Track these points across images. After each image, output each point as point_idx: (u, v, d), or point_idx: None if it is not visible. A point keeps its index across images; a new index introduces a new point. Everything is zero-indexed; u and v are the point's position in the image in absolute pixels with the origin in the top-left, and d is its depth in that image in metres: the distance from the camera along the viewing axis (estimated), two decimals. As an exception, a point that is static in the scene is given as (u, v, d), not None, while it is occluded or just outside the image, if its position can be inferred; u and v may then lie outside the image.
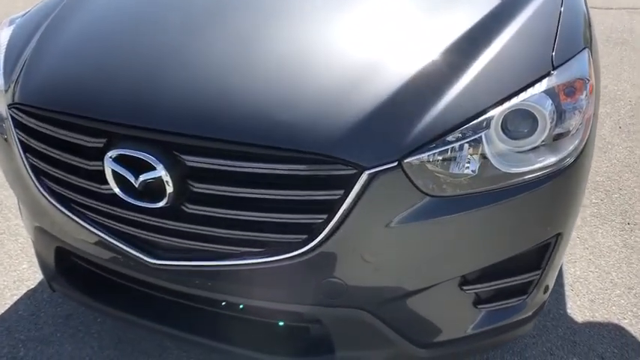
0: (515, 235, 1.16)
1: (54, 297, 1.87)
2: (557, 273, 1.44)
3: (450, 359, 1.35)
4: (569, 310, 1.87)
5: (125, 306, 1.40)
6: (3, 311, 1.84)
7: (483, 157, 1.09)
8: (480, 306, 1.26)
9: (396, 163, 1.02)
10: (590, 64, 1.25)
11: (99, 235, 1.23)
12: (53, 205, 1.27)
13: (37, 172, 1.28)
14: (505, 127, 1.11)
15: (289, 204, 1.05)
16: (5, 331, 1.75)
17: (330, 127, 1.01)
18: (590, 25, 1.45)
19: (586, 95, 1.18)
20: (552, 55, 1.19)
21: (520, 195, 1.12)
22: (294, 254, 1.08)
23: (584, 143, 1.19)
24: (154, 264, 1.19)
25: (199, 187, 1.08)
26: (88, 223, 1.24)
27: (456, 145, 1.07)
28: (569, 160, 1.16)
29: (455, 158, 1.07)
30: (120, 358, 1.64)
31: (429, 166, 1.06)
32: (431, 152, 1.05)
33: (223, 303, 1.26)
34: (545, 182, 1.13)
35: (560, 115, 1.14)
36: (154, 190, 1.09)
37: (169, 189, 1.07)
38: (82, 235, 1.27)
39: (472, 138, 1.08)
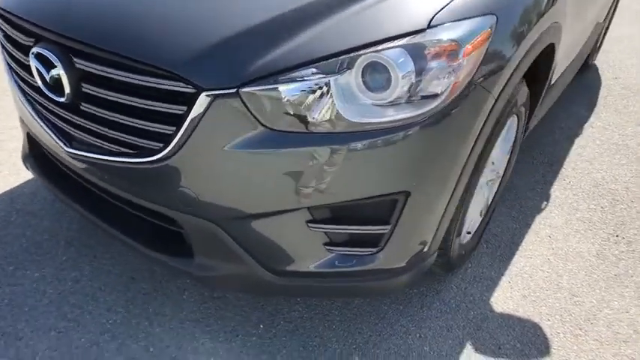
0: (355, 180, 1.21)
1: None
2: (438, 237, 1.44)
3: (300, 293, 1.44)
4: (493, 299, 1.83)
5: (67, 191, 1.67)
6: (15, 186, 2.25)
7: (328, 100, 1.15)
8: (329, 247, 1.33)
9: (234, 90, 1.13)
10: (490, 32, 1.23)
11: (38, 122, 1.50)
12: (17, 93, 1.57)
13: (8, 64, 1.58)
14: (361, 77, 1.15)
15: (148, 113, 1.22)
16: (9, 200, 2.16)
17: (179, 48, 1.15)
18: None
19: (456, 60, 1.17)
20: (435, 15, 1.19)
21: (363, 143, 1.17)
22: (154, 159, 1.24)
23: (444, 105, 1.19)
24: (68, 152, 1.43)
25: (88, 88, 1.28)
26: (34, 111, 1.51)
27: (301, 83, 1.14)
28: (424, 121, 1.17)
29: (298, 96, 1.15)
30: (80, 234, 1.95)
31: (268, 98, 1.14)
32: (271, 86, 1.13)
33: (120, 197, 1.47)
34: (392, 137, 1.17)
35: (420, 73, 1.15)
36: (59, 86, 1.31)
37: (67, 86, 1.29)
38: (33, 122, 1.55)
39: (317, 79, 1.14)
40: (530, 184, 2.43)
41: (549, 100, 2.35)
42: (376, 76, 1.15)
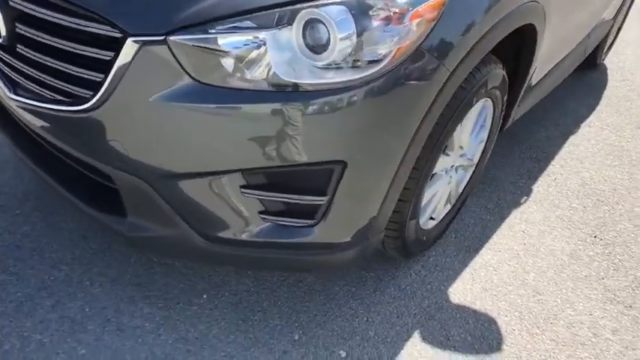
0: (289, 144, 1.14)
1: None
2: (385, 215, 1.37)
3: (235, 262, 1.38)
4: (451, 289, 1.75)
5: (18, 143, 1.63)
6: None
7: (264, 57, 1.08)
8: (264, 216, 1.27)
9: (162, 38, 1.07)
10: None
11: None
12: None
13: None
14: (302, 35, 1.08)
15: (79, 58, 1.16)
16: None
17: (107, -10, 1.09)
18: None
19: (402, 23, 1.09)
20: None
21: (297, 105, 1.09)
22: (84, 107, 1.19)
23: (386, 72, 1.11)
24: (12, 98, 1.38)
25: (21, 29, 1.23)
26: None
27: (235, 35, 1.07)
28: (363, 86, 1.10)
29: (231, 49, 1.08)
30: (39, 189, 1.92)
31: (198, 50, 1.07)
32: (202, 36, 1.06)
33: (61, 149, 1.42)
34: (327, 101, 1.09)
35: (361, 34, 1.07)
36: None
37: (2, 27, 1.24)
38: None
39: (254, 33, 1.07)
40: (512, 178, 2.33)
41: (538, 93, 2.24)
42: (316, 34, 1.08)
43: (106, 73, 1.12)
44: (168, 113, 1.12)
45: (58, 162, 1.50)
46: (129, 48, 1.08)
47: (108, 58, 1.11)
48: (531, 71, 1.85)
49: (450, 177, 1.74)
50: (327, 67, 1.09)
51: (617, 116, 2.94)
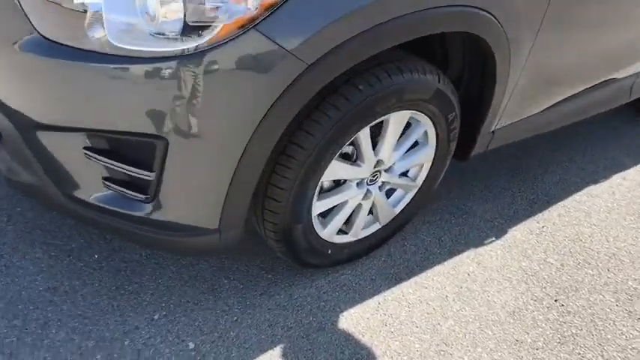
0: (113, 109, 1.12)
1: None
2: (235, 209, 1.28)
3: (90, 224, 1.36)
4: (346, 313, 1.59)
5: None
6: None
7: (98, 18, 1.06)
8: (107, 183, 1.25)
9: (9, -13, 1.09)
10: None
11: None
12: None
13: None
14: (133, 1, 1.04)
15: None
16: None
17: None
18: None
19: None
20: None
21: (121, 70, 1.06)
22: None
23: (208, 47, 1.03)
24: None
25: None
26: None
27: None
28: (181, 59, 1.03)
29: (75, 7, 1.07)
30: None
31: (44, 4, 1.09)
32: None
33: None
34: (146, 70, 1.05)
35: (186, 4, 1.01)
36: None
37: None
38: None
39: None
40: (489, 215, 2.07)
41: (531, 126, 1.94)
42: (147, 1, 1.03)
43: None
44: (24, 62, 1.15)
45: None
46: None
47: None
48: (498, 97, 1.61)
49: (370, 192, 1.58)
50: (154, 36, 1.04)
51: (667, 175, 2.47)
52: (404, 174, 1.69)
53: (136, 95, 1.09)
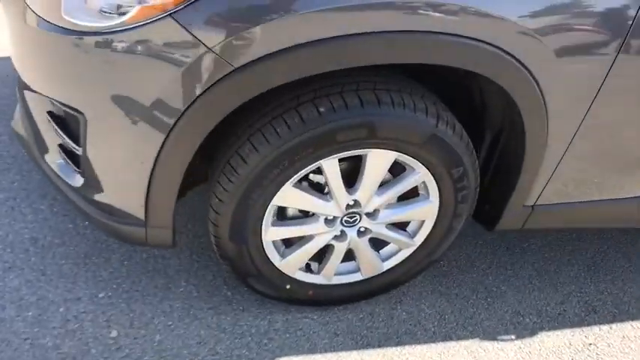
0: (49, 77, 1.14)
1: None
2: (154, 206, 1.20)
3: (51, 182, 1.39)
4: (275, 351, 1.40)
5: None
6: None
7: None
8: (60, 150, 1.28)
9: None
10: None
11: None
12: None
13: None
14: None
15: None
16: None
17: None
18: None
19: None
20: None
21: (56, 42, 1.06)
22: None
23: (122, 29, 0.98)
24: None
25: None
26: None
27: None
28: (96, 38, 1.00)
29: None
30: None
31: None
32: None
33: None
34: (69, 43, 1.04)
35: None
36: None
37: None
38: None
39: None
40: (524, 308, 1.67)
41: (570, 216, 1.52)
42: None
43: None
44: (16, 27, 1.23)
45: None
46: None
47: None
48: (533, 162, 1.29)
49: (344, 234, 1.37)
50: (86, 11, 1.02)
51: None
52: (402, 228, 1.45)
53: (64, 67, 1.09)
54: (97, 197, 1.24)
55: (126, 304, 1.48)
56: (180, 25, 0.95)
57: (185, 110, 1.03)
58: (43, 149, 1.35)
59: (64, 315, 1.43)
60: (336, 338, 1.49)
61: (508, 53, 1.08)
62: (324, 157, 1.18)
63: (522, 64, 1.10)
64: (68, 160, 1.25)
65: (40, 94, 1.20)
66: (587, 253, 1.94)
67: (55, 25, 1.05)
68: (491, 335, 1.57)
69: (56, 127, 1.22)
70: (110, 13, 0.99)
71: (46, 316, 1.42)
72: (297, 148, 1.14)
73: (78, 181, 1.25)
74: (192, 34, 0.96)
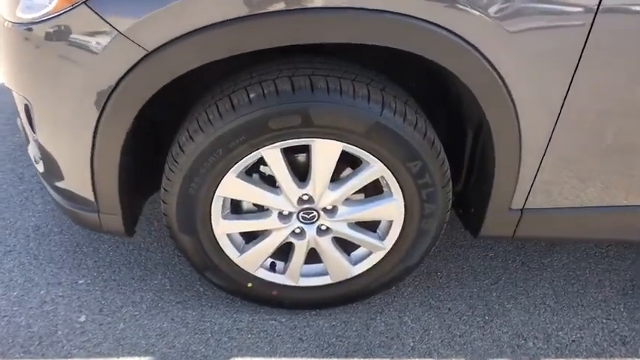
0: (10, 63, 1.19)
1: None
2: (100, 192, 1.23)
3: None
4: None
5: None
6: None
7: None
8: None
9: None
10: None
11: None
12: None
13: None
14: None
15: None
16: None
17: None
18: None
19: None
20: None
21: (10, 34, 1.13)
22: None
23: (47, 18, 1.01)
24: None
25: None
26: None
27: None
28: (27, 28, 1.05)
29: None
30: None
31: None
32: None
33: None
34: (13, 35, 1.09)
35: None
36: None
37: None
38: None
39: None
40: (527, 331, 1.46)
41: (565, 226, 1.30)
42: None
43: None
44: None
45: None
46: None
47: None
48: (508, 156, 1.14)
49: (303, 231, 1.30)
50: (31, 6, 1.07)
51: None
52: (373, 229, 1.34)
53: (13, 58, 1.15)
54: (58, 184, 1.29)
55: (100, 292, 1.52)
56: (94, 11, 0.97)
57: (110, 94, 1.05)
58: (27, 141, 1.44)
59: (43, 297, 1.50)
60: (300, 344, 1.40)
61: (448, 30, 0.96)
62: (262, 146, 1.13)
63: (469, 43, 0.98)
64: (37, 149, 1.32)
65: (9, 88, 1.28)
66: (625, 275, 1.67)
67: (9, 20, 1.11)
68: (480, 357, 1.39)
69: (25, 118, 1.30)
70: (42, 4, 1.04)
71: (27, 297, 1.50)
72: (228, 135, 1.10)
73: (41, 167, 1.31)
74: (104, 20, 0.97)
